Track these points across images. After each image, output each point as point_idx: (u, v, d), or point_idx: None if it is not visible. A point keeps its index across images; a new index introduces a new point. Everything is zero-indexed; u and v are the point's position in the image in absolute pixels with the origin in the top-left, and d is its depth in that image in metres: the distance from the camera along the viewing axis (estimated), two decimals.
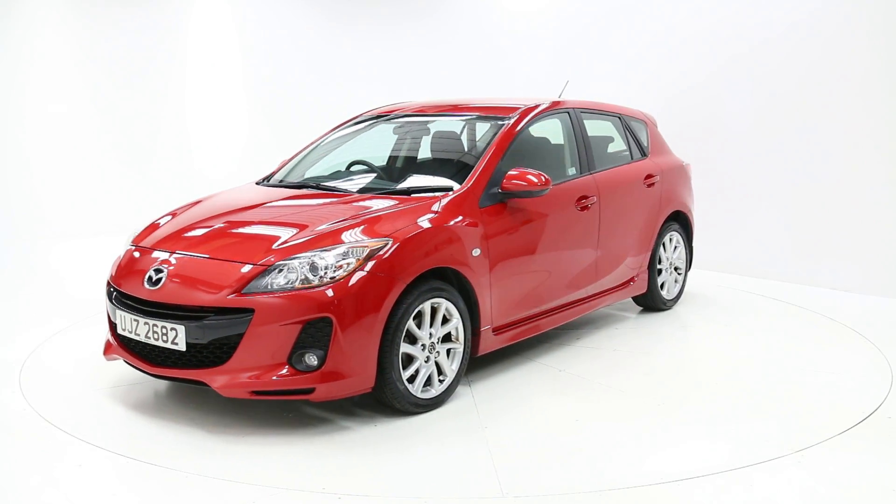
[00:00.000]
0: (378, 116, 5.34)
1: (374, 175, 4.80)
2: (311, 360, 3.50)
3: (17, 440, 3.64)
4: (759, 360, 4.82)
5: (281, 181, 4.89)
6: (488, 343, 4.26)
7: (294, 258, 3.58)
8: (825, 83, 6.68)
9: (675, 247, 5.90)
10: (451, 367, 4.00)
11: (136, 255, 4.05)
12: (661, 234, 5.67)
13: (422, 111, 5.20)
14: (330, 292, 3.48)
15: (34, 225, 9.03)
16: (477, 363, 4.61)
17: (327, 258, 3.57)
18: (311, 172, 4.99)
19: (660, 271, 5.75)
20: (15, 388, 4.26)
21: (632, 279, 5.45)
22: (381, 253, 3.63)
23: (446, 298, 3.90)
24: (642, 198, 5.45)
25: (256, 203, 4.39)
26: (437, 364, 3.95)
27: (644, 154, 5.69)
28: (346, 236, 3.71)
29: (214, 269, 3.67)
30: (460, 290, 4.06)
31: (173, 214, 4.45)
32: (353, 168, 4.95)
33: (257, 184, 4.98)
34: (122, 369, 4.49)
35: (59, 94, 9.28)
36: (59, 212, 9.19)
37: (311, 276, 3.52)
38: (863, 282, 6.47)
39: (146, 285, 3.74)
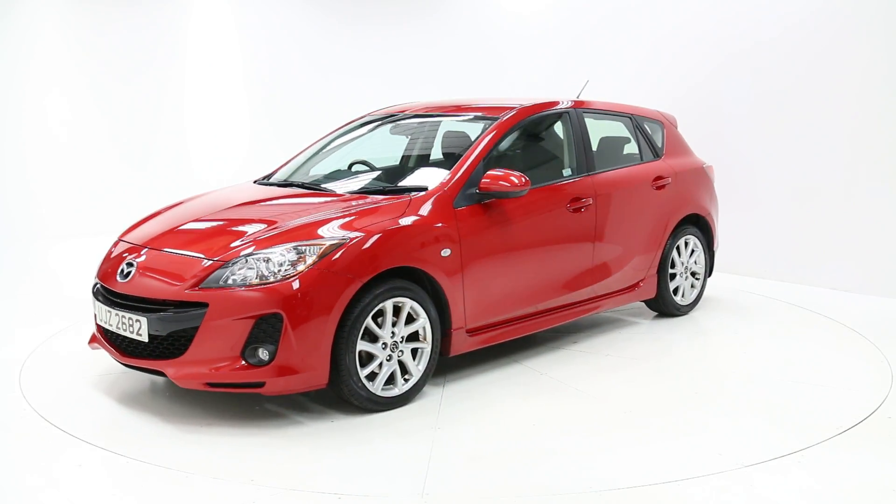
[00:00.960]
0: (386, 116, 5.31)
1: (368, 175, 4.81)
2: (263, 354, 3.57)
3: (17, 440, 3.64)
4: (759, 359, 4.81)
5: (277, 180, 4.95)
6: (462, 344, 4.25)
7: (251, 255, 3.66)
8: (824, 83, 6.68)
9: (693, 251, 5.73)
10: (418, 367, 4.01)
11: (117, 249, 4.24)
12: (673, 238, 5.52)
13: (426, 111, 5.17)
14: (281, 289, 3.55)
15: (33, 225, 9.03)
16: (459, 363, 4.62)
17: (282, 255, 3.64)
18: (309, 172, 5.00)
19: (673, 276, 5.61)
20: (15, 388, 4.26)
21: (638, 283, 5.33)
22: (335, 251, 3.68)
23: (411, 298, 3.91)
24: (649, 200, 5.33)
25: (243, 201, 4.47)
26: (403, 363, 3.97)
27: (657, 155, 5.56)
28: (303, 235, 3.76)
29: (178, 263, 3.79)
30: (432, 290, 4.07)
31: (162, 211, 4.61)
32: (353, 168, 4.97)
33: (255, 182, 5.03)
34: (121, 369, 4.49)
35: (58, 93, 9.29)
36: (58, 212, 9.19)
37: (265, 273, 3.60)
38: (863, 282, 6.47)
39: (118, 278, 3.92)
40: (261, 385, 3.60)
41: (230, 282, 3.60)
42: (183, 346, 3.64)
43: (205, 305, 3.57)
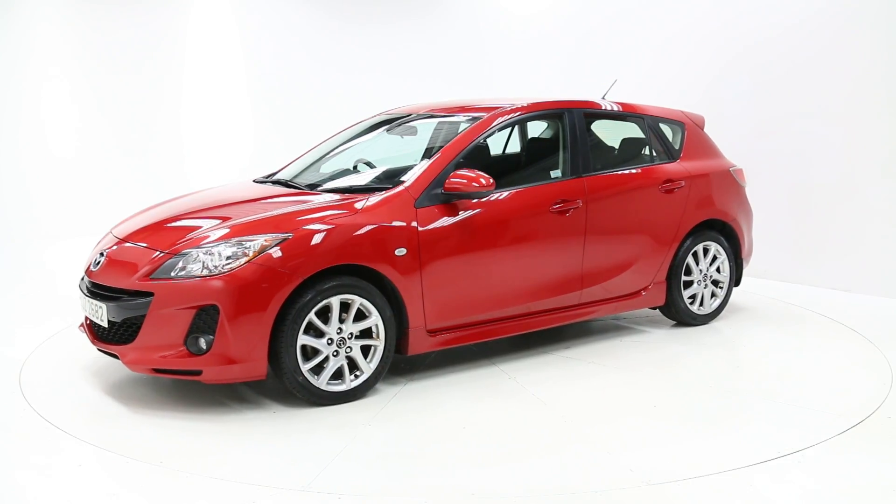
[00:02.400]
0: (399, 116, 5.24)
1: (357, 175, 4.81)
2: (203, 344, 3.75)
3: (17, 440, 3.64)
4: (759, 359, 4.81)
5: (274, 179, 5.02)
6: (421, 344, 4.26)
7: (198, 248, 3.84)
8: (824, 83, 6.68)
9: (715, 257, 5.45)
10: (369, 365, 4.06)
11: (103, 241, 4.46)
12: (688, 244, 5.28)
13: (438, 111, 5.08)
14: (218, 282, 3.71)
15: (31, 225, 9.02)
16: (435, 362, 4.66)
17: (224, 250, 3.79)
18: (309, 171, 5.02)
19: (687, 283, 5.36)
20: (15, 388, 4.26)
21: (642, 290, 5.16)
22: (275, 248, 3.79)
23: (360, 295, 3.96)
24: (656, 203, 5.12)
25: (227, 198, 4.57)
26: (353, 359, 4.02)
27: (673, 157, 5.34)
28: (248, 231, 3.89)
29: (138, 255, 4.02)
30: (392, 289, 4.11)
31: (152, 207, 4.77)
32: (351, 167, 4.98)
33: (254, 181, 5.09)
34: (121, 370, 4.50)
35: (57, 92, 9.27)
36: (57, 212, 9.19)
37: (209, 266, 3.76)
38: (863, 282, 6.47)
39: (91, 267, 4.21)
40: (199, 373, 3.78)
41: (175, 273, 3.78)
42: (134, 333, 3.85)
43: (151, 295, 3.78)
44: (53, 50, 9.19)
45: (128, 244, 4.17)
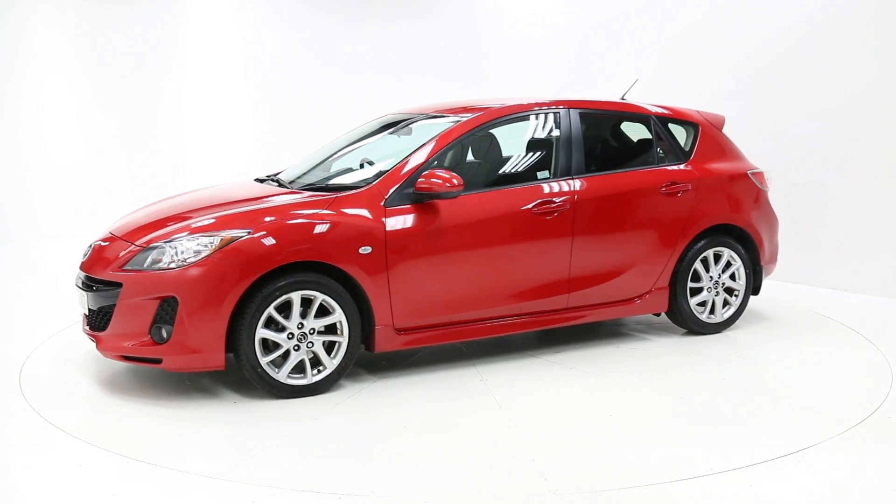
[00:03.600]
0: (404, 118, 5.19)
1: (347, 174, 4.80)
2: (164, 333, 3.92)
3: (17, 440, 3.64)
4: (759, 359, 4.81)
5: (273, 178, 5.07)
6: (389, 342, 4.29)
7: (166, 242, 4.01)
8: (824, 83, 6.68)
9: (729, 264, 5.23)
10: (332, 360, 4.13)
11: (99, 236, 4.60)
12: (694, 249, 5.07)
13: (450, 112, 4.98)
14: (177, 275, 3.89)
15: (30, 225, 9.03)
16: (418, 362, 4.68)
17: (188, 244, 3.96)
18: (313, 170, 5.02)
19: (695, 290, 5.16)
20: (15, 388, 4.26)
21: (641, 295, 5.00)
22: (234, 243, 3.92)
23: (322, 291, 4.04)
24: (656, 206, 4.95)
25: (223, 197, 4.60)
26: (318, 354, 4.11)
27: (681, 159, 5.16)
28: (214, 226, 4.04)
29: (116, 248, 4.20)
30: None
31: (150, 205, 4.88)
32: (353, 166, 4.97)
33: (255, 180, 5.11)
34: (121, 370, 4.51)
35: (57, 92, 9.28)
36: (56, 212, 9.19)
37: (173, 259, 3.94)
38: (863, 282, 6.47)
39: (82, 258, 4.41)
40: (160, 361, 3.96)
41: (143, 266, 3.99)
42: (107, 321, 4.07)
43: (120, 285, 3.99)
44: (53, 50, 9.18)
45: (114, 238, 4.34)
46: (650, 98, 5.67)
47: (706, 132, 5.35)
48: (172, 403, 4.05)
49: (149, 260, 3.98)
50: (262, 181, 5.02)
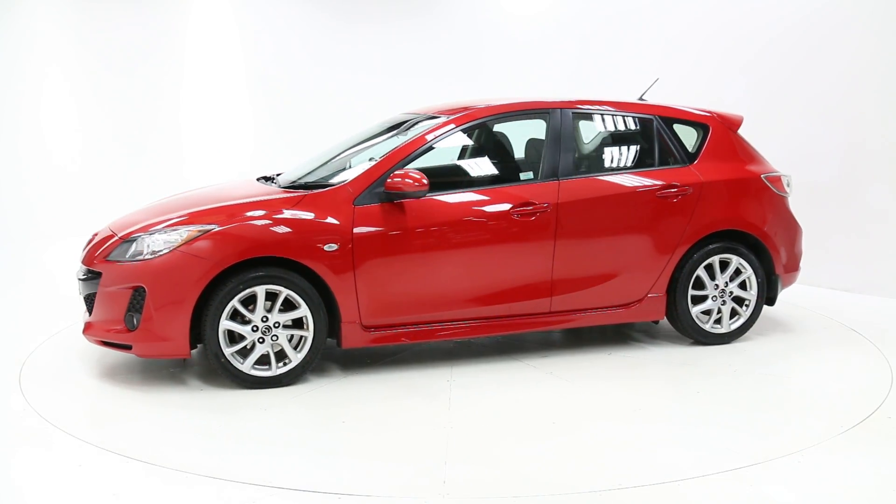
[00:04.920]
0: (409, 119, 5.15)
1: (336, 174, 4.82)
2: (135, 321, 4.12)
3: (17, 440, 3.65)
4: (758, 359, 4.81)
5: (270, 177, 5.14)
6: (356, 338, 4.35)
7: (146, 234, 4.19)
8: (823, 82, 6.69)
9: (739, 272, 4.98)
10: (297, 354, 4.25)
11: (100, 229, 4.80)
12: (697, 255, 4.86)
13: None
14: (146, 266, 4.09)
15: (30, 225, 9.02)
16: (402, 358, 4.73)
17: (158, 237, 4.15)
18: (309, 170, 5.02)
19: (698, 298, 4.95)
20: (15, 388, 4.26)
21: (636, 301, 4.85)
22: (200, 237, 4.09)
23: (287, 286, 4.16)
24: (651, 211, 4.78)
25: (215, 194, 4.72)
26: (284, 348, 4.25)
27: (684, 161, 4.95)
28: (185, 221, 4.20)
29: (106, 240, 4.40)
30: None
31: (154, 203, 5.00)
32: (352, 166, 4.98)
33: (257, 180, 5.14)
34: (121, 369, 4.51)
35: (57, 92, 9.27)
36: (56, 212, 9.18)
37: (146, 251, 4.13)
38: (863, 282, 6.47)
39: (82, 251, 4.57)
40: (130, 347, 4.17)
41: (122, 257, 4.19)
42: (92, 307, 4.31)
43: (100, 274, 4.21)
44: (53, 50, 9.18)
45: (109, 231, 4.52)
46: (664, 97, 5.50)
47: (717, 133, 5.10)
48: (173, 404, 4.06)
49: (130, 251, 4.18)
50: (268, 179, 5.05)
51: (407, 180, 4.27)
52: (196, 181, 8.11)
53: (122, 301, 4.13)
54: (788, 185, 5.26)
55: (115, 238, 4.31)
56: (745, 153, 5.17)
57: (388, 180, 4.31)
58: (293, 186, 4.65)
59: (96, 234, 4.63)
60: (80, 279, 4.43)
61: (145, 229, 4.23)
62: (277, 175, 5.16)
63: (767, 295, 5.14)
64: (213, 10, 9.94)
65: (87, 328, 4.32)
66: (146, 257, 4.11)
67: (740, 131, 5.27)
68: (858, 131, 6.51)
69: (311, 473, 3.27)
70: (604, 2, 8.47)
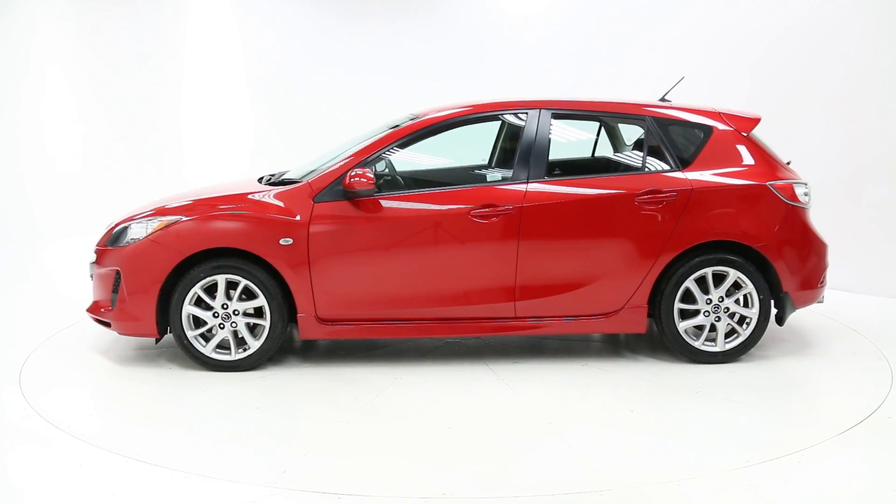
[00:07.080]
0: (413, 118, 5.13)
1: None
2: (112, 301, 4.52)
3: (17, 440, 3.65)
4: (758, 359, 4.81)
5: (269, 176, 5.20)
6: (312, 331, 4.52)
7: (133, 222, 4.54)
8: (823, 82, 6.68)
9: (739, 287, 4.62)
10: (256, 341, 4.49)
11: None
12: (684, 266, 4.55)
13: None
14: (121, 251, 4.49)
15: (32, 225, 9.02)
16: (372, 357, 4.76)
17: (136, 226, 4.52)
18: (311, 169, 5.03)
19: (688, 312, 4.63)
20: (15, 388, 4.26)
21: (613, 312, 4.60)
22: (168, 227, 4.42)
23: (245, 277, 4.41)
24: (629, 216, 4.51)
25: (209, 192, 4.88)
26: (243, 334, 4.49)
27: (677, 165, 4.62)
28: (161, 213, 4.51)
29: (111, 229, 4.71)
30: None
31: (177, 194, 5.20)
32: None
33: (258, 180, 5.14)
34: (121, 369, 4.52)
35: (57, 92, 9.27)
36: (56, 212, 9.18)
37: (128, 238, 4.50)
38: (863, 282, 6.47)
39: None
40: (108, 325, 4.58)
41: (114, 242, 4.55)
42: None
43: (94, 258, 4.65)
44: (53, 50, 9.18)
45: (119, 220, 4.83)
46: (676, 97, 5.31)
47: (719, 136, 4.70)
48: (173, 404, 4.06)
49: (122, 238, 4.53)
50: (272, 177, 5.10)
51: (356, 179, 4.37)
52: (196, 181, 8.11)
53: (109, 282, 4.53)
54: (806, 195, 4.83)
55: (113, 225, 4.67)
56: (755, 158, 4.74)
57: (346, 179, 4.41)
58: (277, 183, 4.75)
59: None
60: (90, 262, 4.77)
61: (132, 218, 4.60)
62: (282, 174, 5.17)
63: (778, 314, 4.79)
64: (213, 10, 9.94)
65: (89, 304, 4.76)
66: (125, 244, 4.48)
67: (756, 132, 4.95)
68: (859, 131, 6.51)
69: (317, 474, 3.27)
70: (606, 2, 8.46)
